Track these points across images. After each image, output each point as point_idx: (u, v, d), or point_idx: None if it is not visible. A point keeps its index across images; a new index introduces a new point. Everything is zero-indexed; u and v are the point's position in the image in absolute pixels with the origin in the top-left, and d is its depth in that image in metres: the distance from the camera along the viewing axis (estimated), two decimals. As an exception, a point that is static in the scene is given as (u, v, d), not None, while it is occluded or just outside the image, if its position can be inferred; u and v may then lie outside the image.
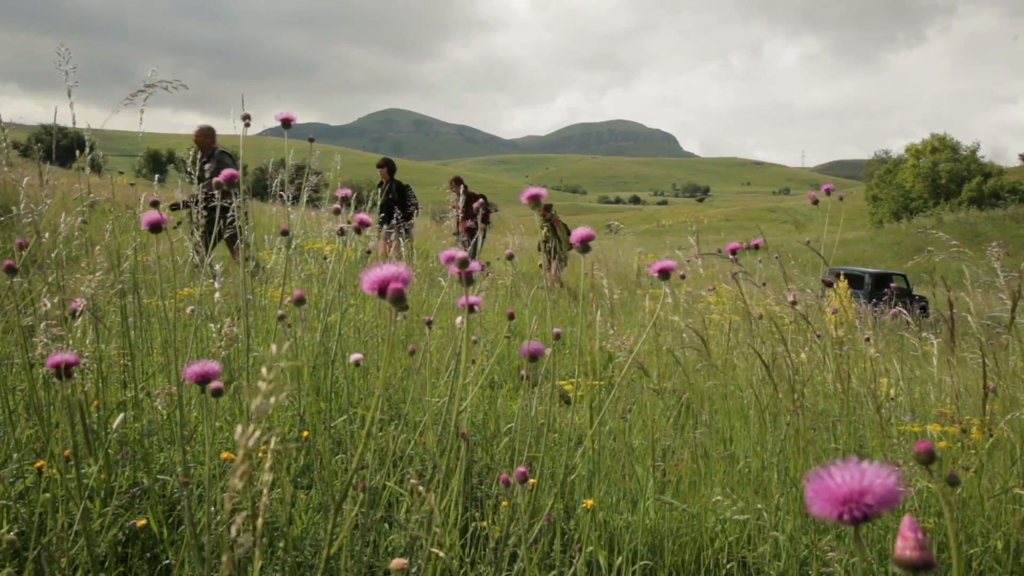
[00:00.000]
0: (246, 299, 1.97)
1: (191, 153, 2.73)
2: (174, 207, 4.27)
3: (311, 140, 2.39)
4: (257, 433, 0.65)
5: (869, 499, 0.54)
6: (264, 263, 3.56)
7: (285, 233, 2.28)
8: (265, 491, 0.69)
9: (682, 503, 1.87)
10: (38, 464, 1.46)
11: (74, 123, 2.01)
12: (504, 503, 1.54)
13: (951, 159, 47.46)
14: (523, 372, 1.63)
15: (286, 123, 1.84)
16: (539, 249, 7.55)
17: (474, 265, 1.09)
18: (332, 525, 0.95)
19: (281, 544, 1.47)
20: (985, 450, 1.82)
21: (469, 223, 6.67)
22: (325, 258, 3.09)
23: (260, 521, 0.69)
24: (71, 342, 1.60)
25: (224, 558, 0.66)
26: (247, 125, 1.93)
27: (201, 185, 2.39)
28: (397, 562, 0.94)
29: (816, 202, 2.30)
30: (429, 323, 1.83)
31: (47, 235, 1.87)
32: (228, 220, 2.18)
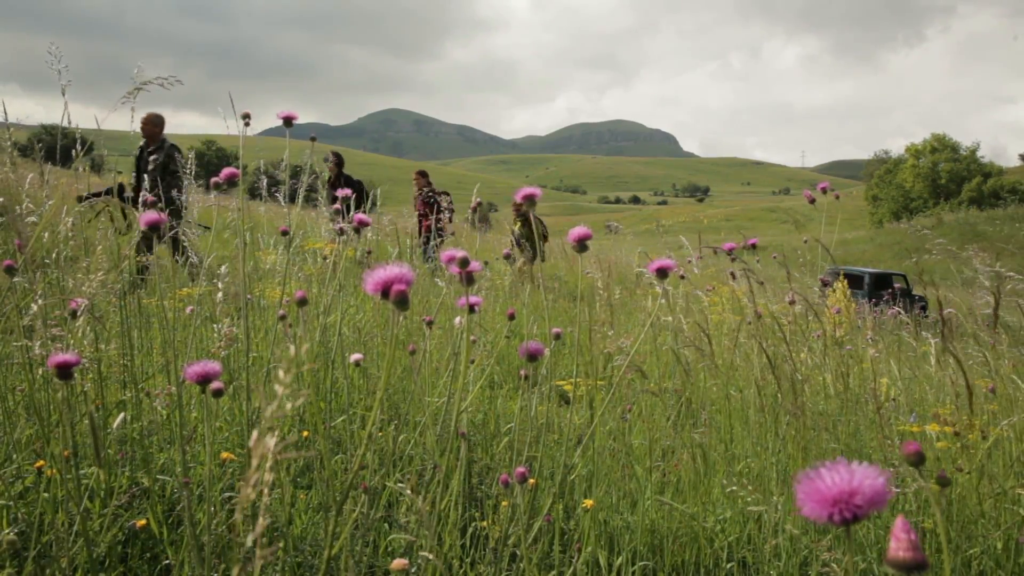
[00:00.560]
0: (246, 299, 1.97)
1: (139, 147, 2.62)
2: (79, 200, 3.96)
3: (312, 139, 2.39)
4: (273, 441, 0.64)
5: (858, 500, 0.54)
6: (201, 255, 3.22)
7: (285, 233, 2.27)
8: (266, 491, 0.69)
9: (681, 503, 1.87)
10: (38, 464, 1.46)
11: (70, 122, 2.01)
12: (504, 503, 1.54)
13: (951, 159, 47.49)
14: (523, 372, 1.63)
15: (288, 121, 1.83)
16: (512, 245, 7.42)
17: (475, 265, 1.09)
18: (333, 526, 0.95)
19: (281, 544, 1.47)
20: (984, 451, 1.82)
21: (433, 221, 5.85)
22: (324, 258, 3.08)
23: (262, 522, 0.68)
24: (71, 342, 1.60)
25: (235, 571, 0.65)
26: (247, 124, 1.92)
27: (146, 176, 2.30)
28: (398, 563, 0.94)
29: (813, 201, 2.30)
30: (429, 323, 1.83)
31: (47, 235, 1.87)
32: (171, 211, 2.06)
